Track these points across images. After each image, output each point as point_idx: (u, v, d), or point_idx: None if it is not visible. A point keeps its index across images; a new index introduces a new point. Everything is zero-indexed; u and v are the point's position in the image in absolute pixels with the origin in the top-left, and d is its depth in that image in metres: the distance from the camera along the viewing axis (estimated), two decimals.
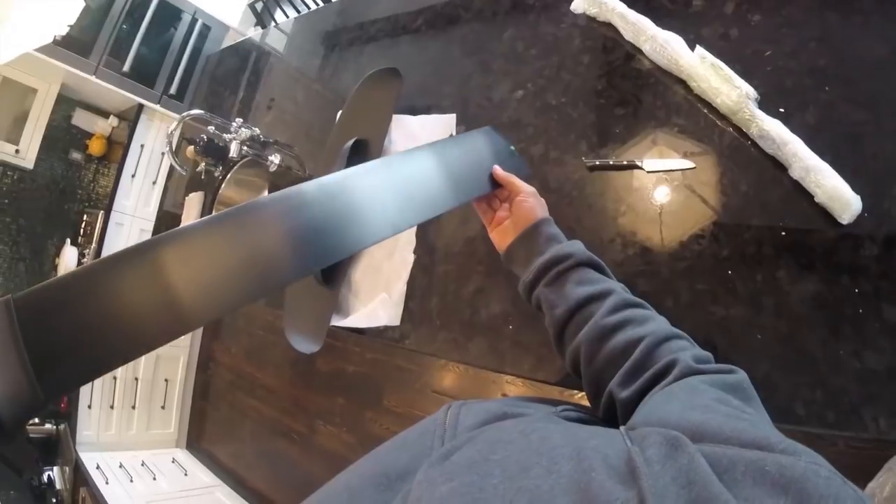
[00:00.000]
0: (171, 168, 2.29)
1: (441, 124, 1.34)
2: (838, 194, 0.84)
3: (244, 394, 3.31)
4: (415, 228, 1.27)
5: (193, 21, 3.21)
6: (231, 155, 1.68)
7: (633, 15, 1.10)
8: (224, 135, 1.72)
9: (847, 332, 0.79)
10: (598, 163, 1.08)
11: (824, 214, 0.86)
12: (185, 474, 2.95)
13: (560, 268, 0.70)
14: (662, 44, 1.05)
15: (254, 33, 2.64)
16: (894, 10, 0.92)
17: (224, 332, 3.55)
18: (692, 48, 1.03)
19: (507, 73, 1.29)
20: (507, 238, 0.79)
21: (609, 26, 1.16)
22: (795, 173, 0.89)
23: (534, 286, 0.72)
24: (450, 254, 1.23)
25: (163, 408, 3.23)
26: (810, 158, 0.87)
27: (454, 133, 1.31)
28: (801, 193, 0.89)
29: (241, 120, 1.75)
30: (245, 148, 1.70)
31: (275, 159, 1.71)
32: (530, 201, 0.79)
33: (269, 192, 1.75)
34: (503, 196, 0.84)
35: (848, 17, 0.96)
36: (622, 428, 0.38)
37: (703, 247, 0.95)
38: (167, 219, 2.13)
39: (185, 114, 1.68)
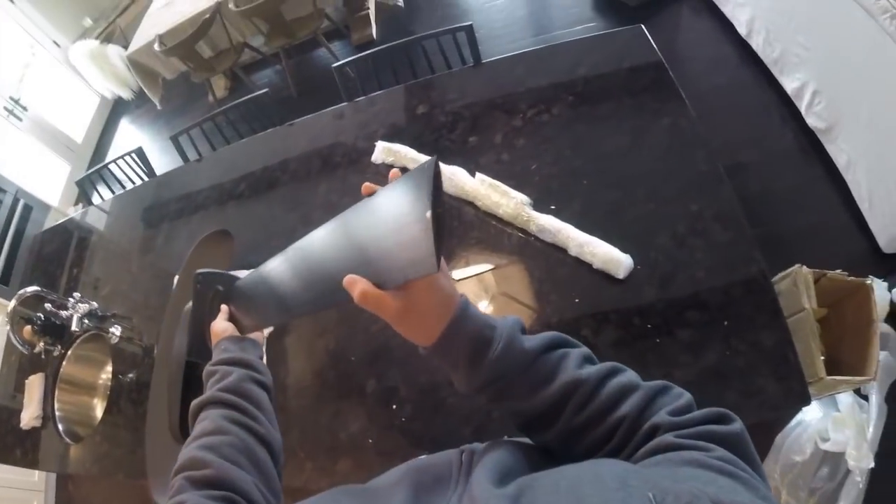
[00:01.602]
0: (4, 352, 2.11)
1: None
2: (610, 258, 1.05)
3: None
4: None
5: (15, 201, 3.12)
6: (73, 329, 1.64)
7: (422, 157, 1.31)
8: (61, 312, 1.68)
9: (653, 360, 0.94)
10: None
11: (605, 276, 1.06)
12: None
13: (506, 381, 0.55)
14: (450, 176, 1.25)
15: (75, 212, 2.61)
16: (626, 110, 1.22)
17: None
18: (473, 175, 1.24)
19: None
20: (412, 337, 0.57)
21: (405, 170, 1.33)
22: (573, 251, 1.09)
23: (476, 392, 0.56)
24: (301, 388, 1.27)
25: None
26: (581, 237, 1.08)
27: None
28: (582, 265, 1.08)
29: (79, 295, 1.71)
30: (85, 322, 1.65)
31: (116, 331, 1.67)
32: (424, 295, 0.53)
33: (113, 364, 1.69)
34: None
35: (592, 124, 1.24)
36: (651, 494, 0.36)
37: None
38: (6, 408, 1.93)
39: (20, 292, 1.62)
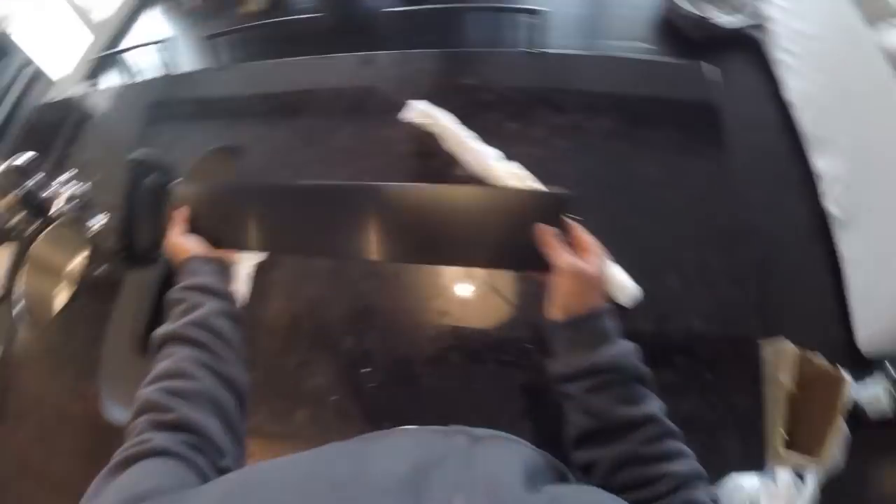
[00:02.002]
0: None
1: None
2: (621, 283, 1.04)
3: (33, 483, 2.78)
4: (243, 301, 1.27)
5: (21, 67, 3.02)
6: (54, 210, 1.56)
7: (455, 128, 1.28)
8: (46, 190, 1.60)
9: None
10: None
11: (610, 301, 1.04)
12: None
13: (608, 378, 0.61)
14: (478, 154, 1.22)
15: (81, 89, 2.51)
16: (669, 142, 1.21)
17: (10, 414, 3.03)
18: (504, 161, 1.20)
19: (344, 165, 1.38)
20: (549, 309, 0.67)
21: (435, 137, 1.32)
22: None
23: (569, 379, 0.64)
24: (275, 327, 1.23)
25: None
26: None
27: None
28: None
29: (69, 175, 1.64)
30: (69, 205, 1.59)
31: (97, 221, 1.61)
32: (570, 284, 0.64)
33: (91, 254, 1.63)
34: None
35: (633, 146, 1.24)
36: None
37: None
38: None
39: (14, 157, 1.55)
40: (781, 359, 1.42)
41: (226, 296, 0.74)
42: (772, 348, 1.46)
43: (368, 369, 1.12)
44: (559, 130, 1.27)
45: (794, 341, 1.49)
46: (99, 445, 2.77)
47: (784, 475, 1.57)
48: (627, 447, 0.59)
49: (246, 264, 1.30)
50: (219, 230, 0.83)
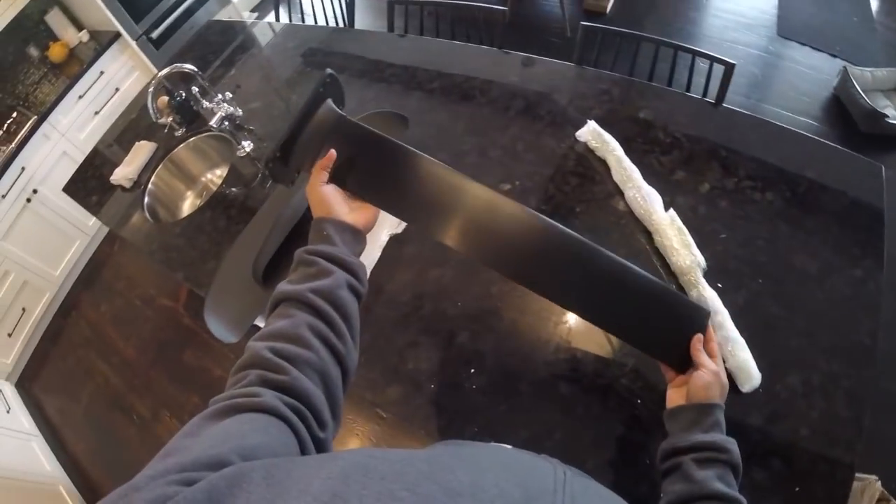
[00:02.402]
0: (127, 107, 2.21)
1: None
2: (746, 366, 1.02)
3: (97, 355, 3.04)
4: (373, 264, 1.32)
5: None
6: (211, 124, 1.67)
7: (627, 162, 1.28)
8: (204, 101, 1.70)
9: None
10: None
11: (729, 379, 1.02)
12: (7, 411, 2.68)
13: (715, 455, 0.73)
14: (644, 195, 1.22)
15: (249, 17, 2.63)
16: (831, 239, 1.18)
17: (98, 286, 3.30)
18: (666, 209, 1.21)
19: (501, 164, 1.41)
20: (676, 398, 0.84)
21: (603, 163, 1.33)
22: (717, 338, 1.05)
23: (681, 453, 0.76)
24: (395, 301, 1.27)
25: (9, 335, 2.92)
26: (732, 330, 1.05)
27: None
28: None
29: (230, 95, 1.75)
30: (224, 123, 1.70)
31: (246, 146, 1.71)
32: (709, 379, 0.80)
33: (228, 174, 1.74)
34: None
35: (795, 231, 1.19)
36: None
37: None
38: (102, 155, 2.03)
39: (180, 63, 1.65)
40: (866, 496, 1.39)
41: (354, 269, 0.75)
42: (861, 483, 1.42)
43: (473, 370, 1.14)
44: (725, 192, 1.26)
45: (877, 472, 1.45)
46: (171, 345, 2.99)
47: None
48: None
49: (383, 232, 1.34)
50: (368, 184, 0.85)
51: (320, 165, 0.82)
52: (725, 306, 1.08)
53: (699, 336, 0.85)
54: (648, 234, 1.21)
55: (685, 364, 0.85)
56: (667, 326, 0.87)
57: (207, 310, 1.40)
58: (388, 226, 1.35)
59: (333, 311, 0.68)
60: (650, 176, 1.27)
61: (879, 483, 1.42)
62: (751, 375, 1.02)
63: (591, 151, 1.34)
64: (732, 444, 0.75)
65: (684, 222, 1.18)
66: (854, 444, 1.00)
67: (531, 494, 0.44)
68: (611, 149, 1.29)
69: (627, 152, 1.31)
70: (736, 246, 1.19)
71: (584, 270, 0.85)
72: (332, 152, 0.83)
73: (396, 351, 1.21)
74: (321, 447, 0.56)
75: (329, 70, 0.90)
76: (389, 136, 0.87)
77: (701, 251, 1.14)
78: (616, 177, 1.28)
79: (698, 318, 0.86)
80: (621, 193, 1.27)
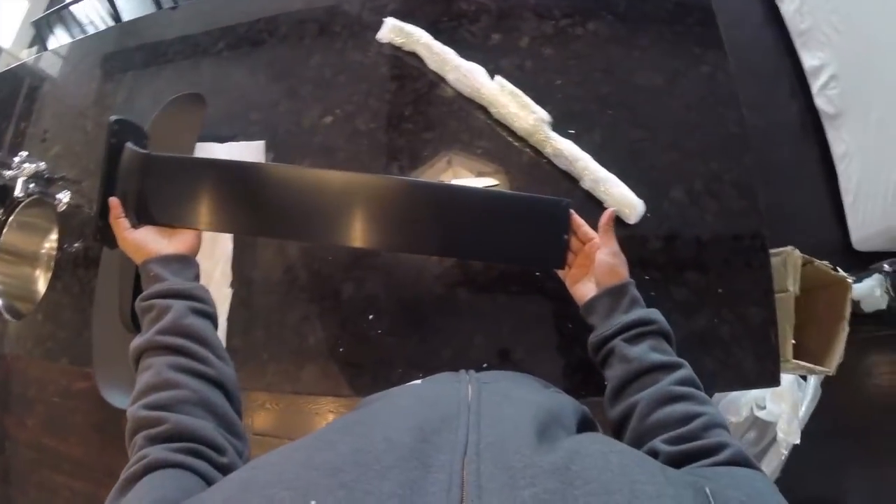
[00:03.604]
0: None
1: (249, 151, 1.27)
2: (625, 200, 0.97)
3: (50, 470, 2.80)
4: (230, 261, 1.19)
5: None
6: (16, 194, 1.47)
7: (438, 46, 1.16)
8: (4, 172, 1.52)
9: None
10: None
11: (614, 218, 0.97)
12: None
13: (643, 329, 0.73)
14: (465, 73, 1.11)
15: (29, 56, 2.32)
16: (669, 46, 1.11)
17: (14, 405, 3.01)
18: (492, 77, 1.11)
19: (316, 99, 1.27)
20: (586, 291, 0.82)
21: (414, 56, 1.20)
22: (586, 185, 1.00)
23: (610, 339, 0.75)
24: (269, 284, 1.16)
25: None
26: (598, 171, 0.99)
27: (262, 160, 1.25)
28: (592, 201, 1.02)
29: (26, 153, 1.55)
30: (31, 186, 1.49)
31: (63, 197, 1.50)
32: (612, 261, 0.80)
33: (59, 235, 1.53)
34: (576, 248, 0.86)
35: (629, 51, 1.12)
36: (708, 489, 0.40)
37: None
38: None
39: None
40: (789, 267, 1.40)
41: (192, 293, 0.74)
42: (779, 257, 1.43)
43: (372, 316, 1.07)
44: (546, 39, 1.17)
45: (784, 243, 1.48)
46: (108, 420, 2.78)
47: (787, 376, 1.61)
48: (663, 387, 0.66)
49: (223, 286, 1.21)
50: (180, 209, 0.83)
51: (113, 217, 0.82)
52: (585, 150, 1.01)
53: (578, 227, 0.85)
54: (485, 110, 1.11)
55: (564, 259, 0.85)
56: (534, 234, 0.85)
57: (99, 382, 1.24)
58: (222, 277, 1.22)
59: (186, 340, 0.68)
60: (467, 51, 1.16)
61: (797, 251, 1.43)
62: (633, 205, 0.97)
63: (398, 49, 1.21)
64: (656, 314, 0.76)
65: (515, 83, 1.08)
66: (759, 230, 0.99)
67: (428, 430, 0.43)
68: (416, 38, 1.17)
69: (437, 36, 1.19)
70: (574, 87, 1.11)
71: (435, 214, 0.83)
72: (114, 200, 0.82)
73: (292, 332, 1.11)
74: (229, 471, 0.52)
75: (112, 117, 0.87)
76: (199, 157, 0.91)
77: (541, 105, 1.06)
78: (432, 65, 1.16)
79: (560, 211, 0.84)
80: (443, 80, 1.16)
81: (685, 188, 1.02)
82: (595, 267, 0.81)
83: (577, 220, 0.85)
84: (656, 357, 0.70)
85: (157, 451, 0.54)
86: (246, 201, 0.83)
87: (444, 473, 0.37)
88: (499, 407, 0.50)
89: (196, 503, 0.41)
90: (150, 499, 0.47)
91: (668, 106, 1.08)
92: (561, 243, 0.84)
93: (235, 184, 0.84)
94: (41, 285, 1.74)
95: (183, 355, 0.66)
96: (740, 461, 0.54)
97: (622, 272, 0.80)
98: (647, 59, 1.12)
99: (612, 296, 0.78)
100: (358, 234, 0.82)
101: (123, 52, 1.69)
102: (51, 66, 1.89)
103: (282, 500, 0.35)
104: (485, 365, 0.99)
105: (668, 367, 0.69)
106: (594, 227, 0.87)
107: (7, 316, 1.55)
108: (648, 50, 1.12)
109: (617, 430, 0.70)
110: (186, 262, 0.80)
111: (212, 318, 0.75)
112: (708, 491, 0.39)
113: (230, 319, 1.16)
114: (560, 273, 0.87)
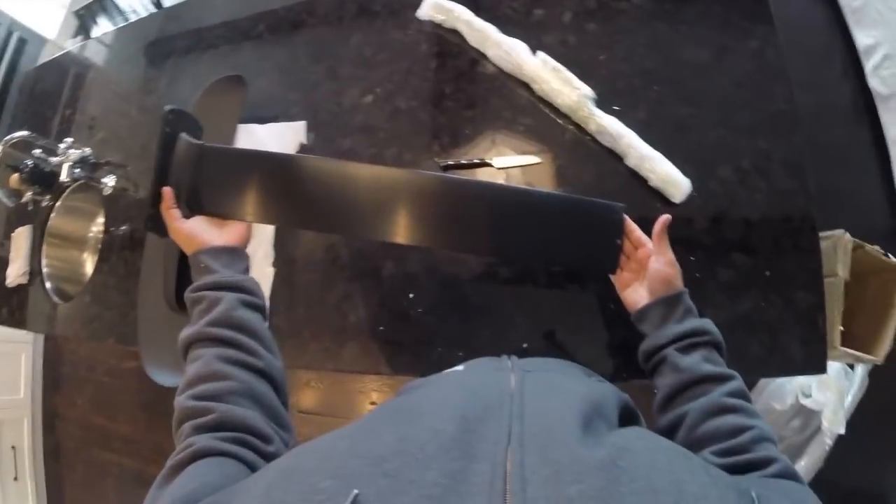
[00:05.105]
0: None
1: (291, 132, 1.28)
2: (670, 178, 0.94)
3: (99, 448, 2.94)
4: (272, 240, 1.20)
5: (8, 35, 2.87)
6: (62, 179, 1.52)
7: (478, 22, 1.14)
8: (51, 158, 1.56)
9: (689, 295, 0.86)
10: (451, 162, 1.10)
11: (659, 197, 0.97)
12: None
13: (695, 340, 0.73)
14: (507, 50, 1.10)
15: (73, 45, 2.38)
16: (715, 20, 1.07)
17: (65, 384, 3.12)
18: (534, 53, 1.09)
19: (356, 79, 1.27)
20: (638, 298, 0.82)
21: (455, 33, 1.19)
22: (631, 162, 0.98)
23: (662, 348, 0.75)
24: (311, 262, 1.17)
25: (15, 479, 2.77)
26: (643, 148, 0.96)
27: (304, 141, 1.26)
28: (637, 180, 0.99)
29: (71, 140, 1.58)
30: (76, 171, 1.53)
31: (109, 181, 1.55)
32: (666, 270, 0.79)
33: (105, 218, 1.58)
34: (628, 251, 0.85)
35: (674, 25, 1.09)
36: (755, 493, 0.40)
37: None
38: None
39: (7, 137, 1.48)
40: (839, 251, 1.35)
41: (243, 286, 0.75)
42: (829, 241, 1.38)
43: (413, 295, 1.07)
44: (589, 14, 1.14)
45: (834, 225, 1.41)
46: (156, 399, 2.87)
47: (834, 364, 1.56)
48: (714, 398, 0.66)
49: (265, 265, 1.23)
50: (232, 201, 0.83)
51: (165, 207, 0.82)
52: (629, 127, 0.99)
53: (630, 231, 0.83)
54: (527, 86, 1.09)
55: (617, 264, 0.84)
56: (587, 238, 0.84)
57: (145, 362, 1.28)
58: (265, 256, 1.23)
59: (236, 332, 0.68)
60: (508, 27, 1.14)
61: (847, 234, 1.38)
62: (679, 184, 0.95)
63: (439, 27, 1.20)
64: (709, 324, 0.75)
65: (558, 59, 1.06)
66: (809, 211, 0.95)
67: (472, 419, 0.43)
68: (457, 15, 1.16)
69: (477, 12, 1.17)
70: (619, 62, 1.08)
71: (487, 215, 0.82)
72: (167, 190, 0.82)
73: (333, 310, 1.12)
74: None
75: (167, 107, 0.85)
76: (253, 149, 0.85)
77: (585, 81, 1.03)
78: (473, 42, 1.15)
79: (614, 215, 0.83)
80: (485, 56, 1.14)
81: (732, 167, 0.98)
82: (648, 275, 0.80)
83: (630, 224, 0.83)
84: (708, 368, 0.70)
85: (204, 440, 0.55)
86: (299, 195, 0.83)
87: (487, 464, 0.37)
88: (543, 397, 0.49)
89: (240, 489, 0.41)
90: (197, 484, 0.48)
91: (715, 82, 1.04)
92: (614, 248, 0.83)
93: (289, 177, 0.83)
94: (88, 268, 1.79)
95: (232, 347, 0.67)
96: (788, 476, 0.55)
97: (676, 282, 0.79)
98: (694, 34, 1.08)
99: (666, 305, 0.78)
100: (410, 233, 0.82)
101: (165, 38, 1.73)
102: (95, 54, 1.94)
103: (325, 488, 0.35)
104: (524, 345, 0.98)
105: (720, 379, 0.69)
106: (640, 205, 0.85)
107: (55, 298, 1.61)
108: (695, 24, 1.09)
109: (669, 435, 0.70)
110: (237, 255, 0.80)
111: (262, 310, 0.76)
112: (754, 495, 0.39)
113: (272, 298, 1.18)
114: (611, 276, 0.87)
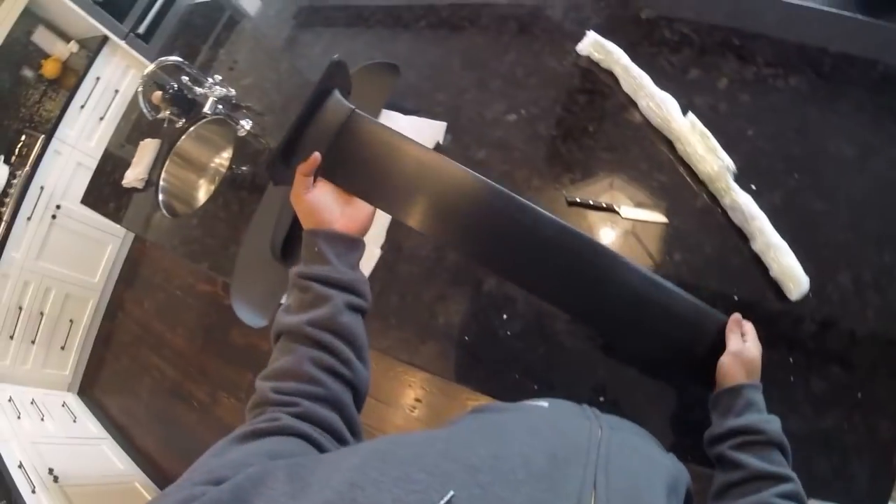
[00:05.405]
0: (127, 108, 2.18)
1: (430, 129, 1.35)
2: (792, 273, 0.95)
3: (149, 350, 3.16)
4: (387, 224, 1.27)
5: None
6: (205, 110, 1.65)
7: (635, 70, 1.17)
8: (196, 88, 1.68)
9: (776, 395, 0.87)
10: (578, 199, 1.13)
11: (775, 288, 0.97)
12: (74, 421, 2.80)
13: (749, 438, 0.74)
14: (658, 103, 1.12)
15: None
16: (867, 117, 1.05)
17: (139, 284, 3.38)
18: (684, 113, 1.11)
19: (504, 95, 1.32)
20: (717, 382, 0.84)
21: (609, 74, 1.22)
22: (757, 246, 0.99)
23: (719, 442, 0.78)
24: (417, 256, 1.23)
25: (62, 348, 3.05)
26: (773, 236, 0.97)
27: (440, 141, 1.33)
28: (757, 265, 1.00)
29: (220, 78, 1.70)
30: (219, 107, 1.66)
31: (245, 124, 1.67)
32: (727, 362, 0.82)
33: (233, 156, 1.71)
34: None
35: (826, 115, 1.08)
36: None
37: None
38: (112, 159, 2.02)
39: (164, 58, 1.61)
40: None
41: (353, 286, 0.72)
42: None
43: (506, 316, 1.10)
44: (745, 84, 1.14)
45: None
46: (217, 327, 3.03)
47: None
48: (764, 497, 0.67)
49: (374, 246, 1.27)
50: (368, 184, 0.78)
51: (302, 171, 0.76)
52: (762, 209, 1.00)
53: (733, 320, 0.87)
54: (670, 144, 1.11)
55: (713, 382, 0.85)
56: (687, 344, 0.86)
57: (234, 297, 1.40)
58: (375, 236, 1.28)
59: (336, 339, 0.67)
60: (662, 80, 1.16)
61: None
62: (798, 281, 0.95)
63: (595, 64, 1.24)
64: (768, 424, 0.75)
65: (706, 124, 1.08)
66: None
67: (560, 458, 0.46)
68: (616, 58, 1.19)
69: (634, 59, 1.19)
70: (765, 141, 1.08)
71: (593, 279, 0.81)
72: (317, 155, 0.75)
73: (426, 306, 1.18)
74: None
75: (336, 56, 0.82)
76: (405, 136, 0.79)
77: (728, 153, 1.05)
78: (626, 87, 1.18)
79: (724, 329, 0.86)
80: (634, 104, 1.17)
81: (853, 275, 0.97)
82: (717, 367, 0.83)
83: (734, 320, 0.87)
84: (762, 467, 0.70)
85: (291, 420, 0.56)
86: (435, 198, 0.78)
87: (572, 501, 0.42)
88: (629, 458, 0.53)
89: (326, 459, 0.44)
90: (273, 452, 0.49)
91: (854, 182, 1.03)
92: (714, 364, 0.84)
93: (432, 177, 0.79)
94: (202, 194, 1.95)
95: (328, 353, 0.66)
96: None
97: (738, 374, 0.81)
98: (844, 127, 1.06)
99: (728, 396, 0.80)
100: (516, 270, 0.81)
101: (328, 8, 1.82)
102: (253, 5, 2.06)
103: (420, 479, 0.38)
104: (601, 399, 1.01)
105: (773, 479, 0.69)
106: (753, 291, 0.89)
107: (164, 211, 1.76)
108: (847, 118, 1.07)
109: None
110: (353, 245, 0.75)
111: (365, 311, 0.74)
112: None
113: (371, 278, 1.24)
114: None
